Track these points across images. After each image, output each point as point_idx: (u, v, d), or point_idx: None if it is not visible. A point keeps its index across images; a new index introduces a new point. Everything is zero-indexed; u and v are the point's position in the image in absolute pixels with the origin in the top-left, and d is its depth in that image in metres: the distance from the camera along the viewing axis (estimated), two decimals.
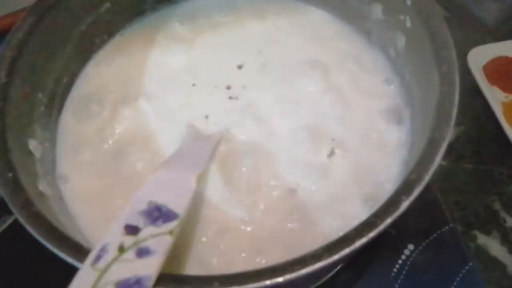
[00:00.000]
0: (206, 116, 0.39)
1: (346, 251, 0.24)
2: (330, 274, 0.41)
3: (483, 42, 0.56)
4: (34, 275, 0.44)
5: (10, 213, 0.48)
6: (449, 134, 0.28)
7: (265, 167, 0.36)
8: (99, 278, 0.22)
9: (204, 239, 0.32)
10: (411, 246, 0.44)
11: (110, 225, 0.26)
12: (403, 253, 0.44)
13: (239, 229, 0.33)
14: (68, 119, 0.40)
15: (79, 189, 0.37)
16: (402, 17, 0.36)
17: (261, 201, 0.34)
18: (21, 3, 0.58)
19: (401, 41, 0.38)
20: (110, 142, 0.39)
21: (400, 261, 0.44)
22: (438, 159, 0.27)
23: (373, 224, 0.25)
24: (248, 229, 0.33)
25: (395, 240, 0.44)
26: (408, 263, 0.44)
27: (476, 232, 0.49)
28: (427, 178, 0.27)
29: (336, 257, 0.24)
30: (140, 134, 0.39)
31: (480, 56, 0.56)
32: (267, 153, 0.37)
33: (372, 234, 0.25)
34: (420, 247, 0.44)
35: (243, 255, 0.31)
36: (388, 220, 0.25)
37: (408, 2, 0.35)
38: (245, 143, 0.37)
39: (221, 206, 0.34)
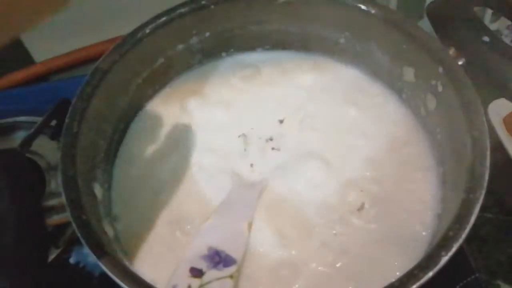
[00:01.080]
0: (251, 165, 0.42)
1: None
2: None
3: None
4: None
5: (56, 246, 0.51)
6: (482, 195, 0.31)
7: (302, 218, 0.39)
8: None
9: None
10: None
11: (176, 268, 0.29)
12: None
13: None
14: (121, 162, 0.44)
15: (130, 231, 0.40)
16: (433, 82, 0.40)
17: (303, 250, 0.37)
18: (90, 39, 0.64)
19: (431, 103, 0.41)
20: (158, 186, 0.42)
21: None
22: (472, 220, 0.30)
23: (416, 276, 0.28)
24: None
25: None
26: None
27: (500, 282, 0.51)
28: (464, 236, 0.29)
29: None
30: (187, 179, 0.42)
31: (500, 109, 0.59)
32: (304, 205, 0.39)
33: (415, 286, 0.27)
34: None
35: None
36: (430, 274, 0.28)
37: (440, 70, 0.38)
38: (285, 193, 0.40)
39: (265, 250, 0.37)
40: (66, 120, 0.37)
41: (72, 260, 0.49)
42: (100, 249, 0.30)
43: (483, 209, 0.56)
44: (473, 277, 0.47)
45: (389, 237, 0.38)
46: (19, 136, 0.60)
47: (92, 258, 0.49)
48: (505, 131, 0.58)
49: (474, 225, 0.54)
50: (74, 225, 0.32)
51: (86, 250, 0.50)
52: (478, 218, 0.55)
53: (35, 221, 0.32)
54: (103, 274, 0.48)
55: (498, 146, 0.57)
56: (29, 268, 0.32)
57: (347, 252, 0.36)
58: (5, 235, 0.31)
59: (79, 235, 0.31)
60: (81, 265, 0.49)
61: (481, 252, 0.53)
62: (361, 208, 0.39)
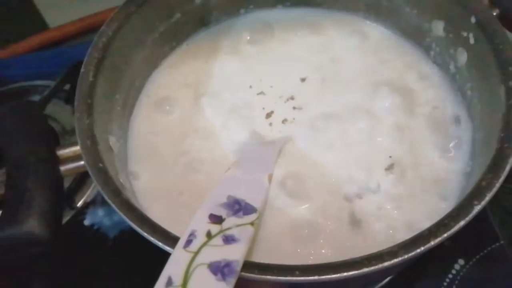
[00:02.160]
0: (270, 124, 0.41)
1: (422, 249, 0.25)
2: (379, 285, 0.42)
3: None
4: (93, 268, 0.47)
5: (71, 207, 0.51)
6: None
7: (322, 176, 0.37)
8: (192, 259, 0.24)
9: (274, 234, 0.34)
10: (461, 261, 0.45)
11: (194, 215, 0.28)
12: (453, 268, 0.44)
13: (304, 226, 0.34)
14: (137, 119, 0.43)
15: (147, 185, 0.39)
16: (465, 34, 0.38)
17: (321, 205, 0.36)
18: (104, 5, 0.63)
19: (462, 57, 0.39)
20: (177, 143, 0.41)
21: (450, 276, 0.44)
22: (507, 168, 0.29)
23: (448, 225, 0.26)
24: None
25: (445, 254, 0.45)
26: (458, 277, 0.44)
27: None
28: (497, 185, 0.28)
29: (411, 254, 0.25)
30: (205, 135, 0.41)
31: None
32: (324, 163, 0.38)
33: (446, 235, 0.26)
34: (470, 263, 0.44)
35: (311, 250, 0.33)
36: (462, 223, 0.26)
37: (473, 20, 0.36)
38: (305, 151, 0.39)
39: (285, 207, 0.36)
40: (82, 70, 0.36)
41: (86, 222, 0.50)
42: (117, 195, 0.29)
43: (506, 179, 0.55)
44: (497, 244, 0.46)
45: (415, 196, 0.36)
46: (34, 99, 0.59)
47: (106, 220, 0.50)
48: None
49: (499, 195, 0.53)
50: (90, 173, 0.31)
51: (101, 212, 0.51)
52: (501, 188, 0.54)
53: (50, 167, 0.31)
54: (118, 236, 0.48)
55: None
56: (50, 214, 0.31)
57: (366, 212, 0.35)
58: (24, 179, 0.30)
59: (95, 182, 0.30)
60: (95, 227, 0.49)
61: (505, 223, 0.51)
62: (389, 168, 0.37)
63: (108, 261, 0.48)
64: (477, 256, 0.45)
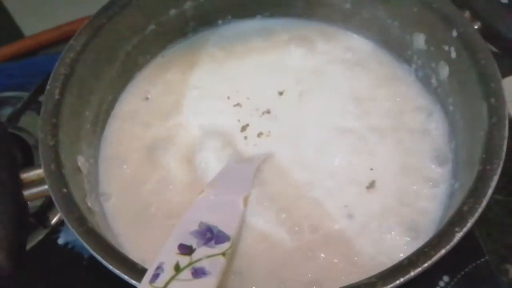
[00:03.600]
0: (245, 137, 0.40)
1: (401, 280, 0.24)
2: None
3: None
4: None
5: (45, 226, 0.49)
6: (500, 166, 0.29)
7: (300, 193, 0.36)
8: None
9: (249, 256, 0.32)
10: (446, 278, 0.44)
11: (164, 244, 0.26)
12: (438, 285, 0.43)
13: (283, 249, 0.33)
14: (109, 136, 0.41)
15: (119, 207, 0.37)
16: (446, 48, 0.37)
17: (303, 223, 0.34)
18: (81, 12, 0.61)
19: (444, 71, 0.38)
20: (149, 161, 0.39)
21: None
22: (490, 192, 0.28)
23: (427, 254, 0.25)
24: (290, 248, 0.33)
25: (430, 272, 0.43)
26: None
27: (508, 266, 0.49)
28: (480, 210, 0.27)
29: (390, 286, 0.24)
30: (180, 151, 0.39)
31: None
32: (301, 178, 0.37)
33: (426, 265, 0.25)
34: (455, 279, 0.43)
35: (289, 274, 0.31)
36: (442, 251, 0.25)
37: (454, 33, 0.35)
38: (282, 166, 0.38)
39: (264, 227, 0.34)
40: (47, 87, 0.34)
41: (60, 241, 0.48)
42: (81, 224, 0.27)
43: (493, 191, 0.55)
44: (482, 260, 0.45)
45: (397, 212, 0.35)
46: (6, 112, 0.58)
47: None
48: None
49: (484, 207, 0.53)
50: (53, 199, 0.29)
51: None
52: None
53: (12, 193, 0.30)
54: (92, 255, 0.47)
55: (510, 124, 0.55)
56: (5, 247, 0.29)
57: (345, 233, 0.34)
58: None
59: (58, 209, 0.28)
60: (69, 246, 0.48)
61: (490, 236, 0.51)
62: (370, 186, 0.36)
63: (82, 280, 0.46)
64: (462, 273, 0.44)
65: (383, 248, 0.33)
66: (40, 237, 0.48)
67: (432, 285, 0.43)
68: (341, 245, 0.33)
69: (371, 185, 0.36)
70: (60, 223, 0.49)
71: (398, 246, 0.32)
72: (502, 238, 0.50)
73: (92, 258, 0.46)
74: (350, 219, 0.34)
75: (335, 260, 0.32)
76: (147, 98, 0.43)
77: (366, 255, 0.32)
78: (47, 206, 0.50)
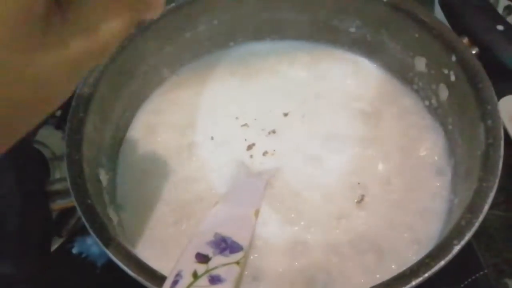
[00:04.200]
0: (251, 156, 0.42)
1: None
2: None
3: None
4: None
5: (59, 236, 0.51)
6: (496, 184, 0.30)
7: (304, 207, 0.38)
8: None
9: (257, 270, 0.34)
10: None
11: (182, 253, 0.28)
12: None
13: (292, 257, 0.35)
14: (126, 150, 0.43)
15: (134, 218, 0.39)
16: (446, 71, 0.39)
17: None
18: None
19: (443, 93, 0.40)
20: (163, 176, 0.41)
21: None
22: (486, 208, 0.30)
23: (428, 265, 0.27)
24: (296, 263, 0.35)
25: (430, 284, 0.45)
26: None
27: (507, 280, 0.50)
28: (477, 224, 0.29)
29: None
30: (191, 168, 0.41)
31: (510, 105, 0.58)
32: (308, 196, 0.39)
33: (427, 275, 0.27)
34: None
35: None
36: (442, 263, 0.27)
37: (453, 58, 0.38)
38: (290, 184, 0.40)
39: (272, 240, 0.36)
40: (72, 105, 0.36)
41: (74, 250, 0.49)
42: (105, 234, 0.30)
43: (492, 206, 0.56)
44: (481, 273, 0.46)
45: (398, 225, 0.37)
46: None
47: (94, 248, 0.50)
48: None
49: (483, 222, 0.54)
50: (78, 210, 0.31)
51: (89, 240, 0.51)
52: (487, 215, 0.55)
53: (39, 204, 0.32)
54: (106, 265, 0.48)
55: (507, 144, 0.57)
56: (33, 253, 0.31)
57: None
58: (10, 219, 0.30)
59: (83, 219, 0.30)
60: (83, 255, 0.49)
61: (490, 250, 0.52)
62: (360, 200, 0.38)
63: None
64: (462, 286, 0.45)
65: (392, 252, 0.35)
66: (55, 246, 0.50)
67: None
68: None
69: (361, 199, 0.38)
70: (74, 233, 0.51)
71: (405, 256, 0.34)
72: (501, 252, 0.51)
73: (105, 267, 0.48)
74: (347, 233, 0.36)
75: None
76: (161, 115, 0.45)
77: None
78: (62, 216, 0.52)
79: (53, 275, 0.46)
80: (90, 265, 0.48)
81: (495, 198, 0.56)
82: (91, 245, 0.50)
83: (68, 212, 0.52)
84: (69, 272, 0.48)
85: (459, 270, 0.46)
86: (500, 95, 0.58)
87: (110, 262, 0.48)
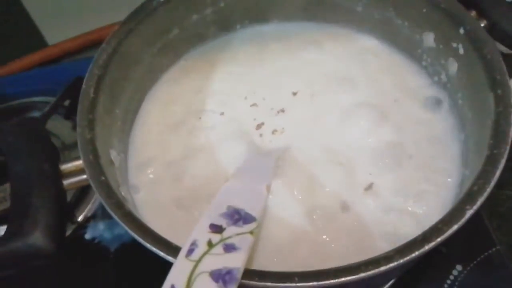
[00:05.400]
0: (261, 135, 0.42)
1: (416, 253, 0.26)
2: None
3: None
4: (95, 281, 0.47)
5: (72, 222, 0.51)
6: (507, 150, 0.30)
7: (314, 185, 0.38)
8: (194, 268, 0.25)
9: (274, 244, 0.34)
10: (459, 267, 0.45)
11: (196, 225, 0.29)
12: (451, 274, 0.45)
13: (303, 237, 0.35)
14: (137, 133, 0.44)
15: (147, 199, 0.40)
16: (454, 45, 0.39)
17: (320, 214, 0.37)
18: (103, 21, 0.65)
19: (453, 67, 0.40)
20: (175, 156, 0.42)
21: (448, 281, 0.44)
22: (497, 174, 0.30)
23: (441, 230, 0.27)
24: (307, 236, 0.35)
25: (443, 260, 0.45)
26: (457, 283, 0.44)
27: None
28: (488, 190, 0.29)
29: (407, 258, 0.26)
30: (202, 148, 0.42)
31: None
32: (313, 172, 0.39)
33: (440, 239, 0.27)
34: (468, 268, 0.45)
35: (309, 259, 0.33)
36: (455, 227, 0.27)
37: (461, 31, 0.37)
38: (298, 160, 0.40)
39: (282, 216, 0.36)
40: (83, 86, 0.37)
41: (87, 236, 0.50)
42: (119, 208, 0.30)
43: (503, 186, 0.56)
44: (494, 249, 0.46)
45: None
46: (34, 116, 0.60)
47: (107, 233, 0.51)
48: None
49: (495, 202, 0.54)
50: (93, 186, 0.32)
51: (102, 225, 0.51)
52: (497, 195, 0.55)
53: (53, 182, 0.32)
54: (119, 249, 0.49)
55: None
56: (56, 227, 0.32)
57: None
58: (27, 196, 0.31)
59: (98, 194, 0.31)
60: (96, 240, 0.50)
61: (501, 229, 0.52)
62: (368, 188, 0.38)
63: (109, 274, 0.48)
64: (475, 262, 0.45)
65: (398, 232, 0.35)
66: (68, 232, 0.51)
67: (446, 274, 0.45)
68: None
69: (369, 187, 0.38)
70: (87, 219, 0.52)
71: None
72: None
73: (118, 251, 0.48)
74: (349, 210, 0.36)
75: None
76: (171, 98, 0.46)
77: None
78: (75, 202, 0.52)
79: (67, 261, 0.47)
80: (103, 250, 0.49)
81: (507, 178, 0.56)
82: (104, 230, 0.51)
83: (80, 199, 0.53)
84: (83, 258, 0.49)
85: (472, 247, 0.46)
86: (510, 75, 0.58)
87: (123, 246, 0.49)
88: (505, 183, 0.55)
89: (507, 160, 0.56)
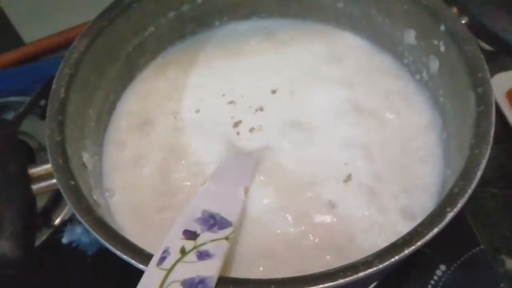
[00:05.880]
0: (238, 133, 0.41)
1: (396, 258, 0.25)
2: None
3: (507, 68, 0.58)
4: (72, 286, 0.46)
5: (48, 226, 0.50)
6: (488, 150, 0.30)
7: (294, 185, 0.37)
8: (166, 277, 0.24)
9: (248, 247, 0.33)
10: (443, 267, 0.45)
11: (169, 231, 0.28)
12: (435, 274, 0.45)
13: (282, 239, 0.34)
14: (112, 134, 0.42)
15: (123, 202, 0.38)
16: (435, 42, 0.38)
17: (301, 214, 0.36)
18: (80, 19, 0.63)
19: (434, 64, 0.39)
20: (151, 157, 0.41)
21: (432, 282, 0.44)
22: (479, 174, 0.29)
23: (421, 233, 0.26)
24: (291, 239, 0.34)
25: (427, 260, 0.45)
26: (440, 283, 0.44)
27: (504, 257, 0.50)
28: (469, 191, 0.28)
29: (386, 263, 0.25)
30: (179, 148, 0.41)
31: (503, 82, 0.58)
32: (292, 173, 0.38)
33: (420, 243, 0.26)
34: (452, 268, 0.45)
35: (287, 262, 0.32)
36: (435, 230, 0.26)
37: (442, 28, 0.37)
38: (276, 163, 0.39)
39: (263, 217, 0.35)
40: (53, 86, 0.36)
41: (64, 240, 0.49)
42: (89, 214, 0.29)
43: (487, 184, 0.56)
44: (477, 248, 0.46)
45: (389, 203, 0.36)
46: (9, 116, 0.59)
47: (84, 237, 0.49)
48: (508, 104, 0.58)
49: (479, 200, 0.54)
50: (61, 190, 0.30)
51: (79, 229, 0.50)
52: (482, 193, 0.55)
53: (22, 185, 0.31)
54: (96, 254, 0.48)
55: (500, 119, 0.56)
56: (25, 235, 0.30)
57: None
58: None
59: (66, 199, 0.29)
60: (74, 245, 0.49)
61: (485, 227, 0.52)
62: (347, 179, 0.37)
63: (87, 278, 0.47)
64: (458, 262, 0.45)
65: (381, 232, 0.34)
66: (44, 236, 0.49)
67: (429, 274, 0.44)
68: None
69: (348, 178, 0.37)
70: (64, 223, 0.50)
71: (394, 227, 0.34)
72: (497, 230, 0.51)
73: (95, 256, 0.47)
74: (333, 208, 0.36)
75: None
76: (147, 97, 0.45)
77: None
78: (51, 206, 0.51)
79: (44, 265, 0.46)
80: (81, 254, 0.48)
81: (491, 176, 0.56)
82: (81, 234, 0.50)
83: (56, 202, 0.52)
84: (60, 261, 0.48)
85: (456, 247, 0.46)
86: (493, 73, 0.58)
87: (100, 250, 0.48)
88: (489, 181, 0.55)
89: (491, 158, 0.56)
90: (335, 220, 0.35)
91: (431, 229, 0.26)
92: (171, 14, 0.45)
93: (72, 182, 0.31)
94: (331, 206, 0.36)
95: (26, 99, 0.56)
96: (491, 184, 0.55)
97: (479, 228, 0.51)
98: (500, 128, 0.58)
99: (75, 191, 0.30)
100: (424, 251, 0.44)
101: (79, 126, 0.37)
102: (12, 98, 0.61)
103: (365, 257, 0.26)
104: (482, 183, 0.54)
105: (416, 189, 0.37)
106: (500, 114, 0.57)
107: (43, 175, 0.33)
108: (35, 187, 0.33)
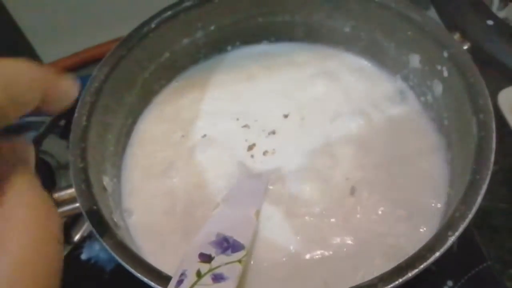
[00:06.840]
0: (252, 156, 0.43)
1: (400, 281, 0.27)
2: None
3: None
4: None
5: (68, 243, 0.52)
6: (488, 176, 0.31)
7: (300, 207, 0.39)
8: None
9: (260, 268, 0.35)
10: (450, 283, 0.46)
11: (185, 254, 0.29)
12: None
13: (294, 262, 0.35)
14: (130, 156, 0.44)
15: (141, 223, 0.40)
16: (439, 67, 0.40)
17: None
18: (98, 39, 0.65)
19: (438, 88, 0.41)
20: (168, 178, 0.42)
21: None
22: (479, 200, 0.30)
23: (423, 257, 0.28)
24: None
25: (434, 276, 0.46)
26: None
27: None
28: (470, 216, 0.29)
29: (390, 286, 0.27)
30: (195, 169, 0.42)
31: (510, 97, 0.59)
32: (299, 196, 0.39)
33: (423, 266, 0.27)
34: (459, 284, 0.46)
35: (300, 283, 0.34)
36: (437, 254, 0.28)
37: (445, 54, 0.38)
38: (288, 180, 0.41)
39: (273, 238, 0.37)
40: (75, 114, 0.38)
41: (83, 256, 0.51)
42: (111, 238, 0.31)
43: (495, 198, 0.57)
44: (484, 265, 0.47)
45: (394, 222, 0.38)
46: (30, 136, 0.61)
47: (103, 253, 0.51)
48: None
49: (487, 215, 0.55)
50: (85, 215, 0.32)
51: (98, 246, 0.52)
52: (491, 208, 0.55)
53: None
54: (114, 270, 0.49)
55: (508, 134, 0.57)
56: None
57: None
58: None
59: (90, 225, 0.31)
60: (92, 261, 0.50)
61: (494, 242, 0.53)
62: (352, 192, 0.39)
63: None
64: (465, 277, 0.46)
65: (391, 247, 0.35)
66: (65, 253, 0.51)
67: None
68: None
69: (353, 191, 0.39)
70: (83, 239, 0.52)
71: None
72: (506, 244, 0.52)
73: (113, 272, 0.49)
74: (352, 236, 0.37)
75: None
76: (162, 121, 0.47)
77: None
78: (71, 223, 0.53)
79: (63, 281, 0.48)
80: (99, 270, 0.49)
81: (499, 190, 0.57)
82: (100, 250, 0.51)
83: (76, 220, 0.54)
84: (78, 278, 0.50)
85: (463, 263, 0.47)
86: (499, 88, 0.59)
87: (118, 267, 0.49)
88: (498, 196, 0.56)
89: (499, 173, 0.57)
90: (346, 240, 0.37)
91: (434, 253, 0.28)
92: (186, 41, 0.47)
93: (95, 207, 0.33)
94: (340, 227, 0.37)
95: (47, 119, 0.58)
96: (499, 200, 0.56)
97: (487, 242, 0.52)
98: (509, 142, 0.58)
99: (97, 215, 0.32)
100: (430, 268, 0.45)
101: (100, 151, 0.39)
102: (33, 118, 0.63)
103: (370, 280, 0.27)
104: (490, 198, 0.55)
105: (420, 210, 0.38)
106: (508, 128, 0.57)
107: (67, 199, 0.35)
108: (60, 210, 0.35)
